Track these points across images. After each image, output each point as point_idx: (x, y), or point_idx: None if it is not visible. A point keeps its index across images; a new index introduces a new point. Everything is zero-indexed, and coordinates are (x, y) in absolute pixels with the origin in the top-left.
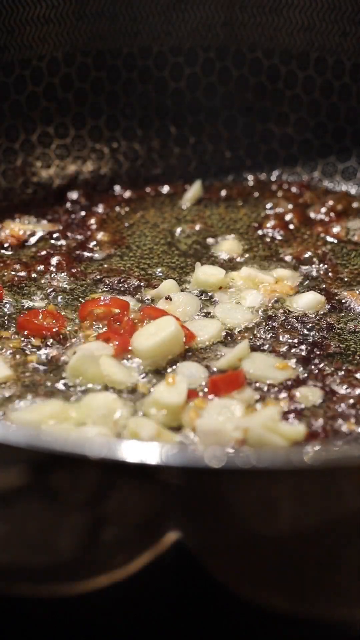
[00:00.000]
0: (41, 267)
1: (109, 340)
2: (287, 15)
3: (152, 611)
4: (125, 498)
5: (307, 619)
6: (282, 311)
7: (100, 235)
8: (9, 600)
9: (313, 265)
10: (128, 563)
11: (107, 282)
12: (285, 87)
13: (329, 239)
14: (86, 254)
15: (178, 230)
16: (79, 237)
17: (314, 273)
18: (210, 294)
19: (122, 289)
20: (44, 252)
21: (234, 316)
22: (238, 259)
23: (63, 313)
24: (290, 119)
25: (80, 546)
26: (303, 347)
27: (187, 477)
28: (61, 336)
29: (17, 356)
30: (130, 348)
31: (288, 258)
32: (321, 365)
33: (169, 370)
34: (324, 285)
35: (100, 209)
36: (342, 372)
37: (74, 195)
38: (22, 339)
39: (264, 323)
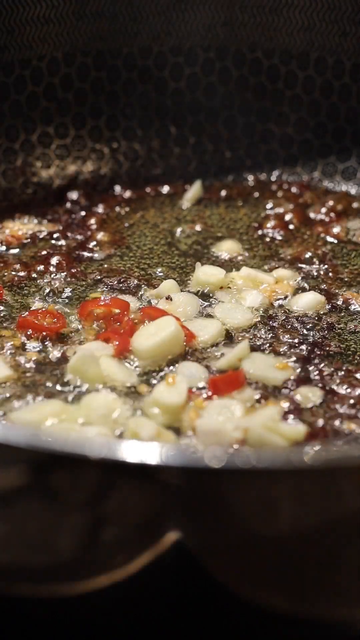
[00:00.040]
0: (41, 267)
1: (109, 340)
2: (287, 15)
3: (152, 611)
4: (125, 498)
5: (307, 619)
6: (282, 311)
7: (100, 236)
8: (9, 600)
9: (313, 265)
10: (128, 563)
11: (107, 282)
12: (285, 87)
13: (329, 239)
14: (86, 254)
15: (178, 230)
16: (79, 237)
17: (314, 273)
18: (210, 294)
19: (122, 289)
20: (44, 252)
21: (234, 316)
22: (238, 259)
23: (63, 313)
24: (290, 119)
25: (80, 546)
26: (303, 347)
27: (187, 477)
28: (61, 336)
29: (17, 356)
30: (130, 348)
31: (288, 258)
32: (321, 365)
33: (169, 370)
34: (324, 286)
35: (100, 209)
36: (342, 372)
37: (74, 195)
38: (22, 339)
39: (264, 323)
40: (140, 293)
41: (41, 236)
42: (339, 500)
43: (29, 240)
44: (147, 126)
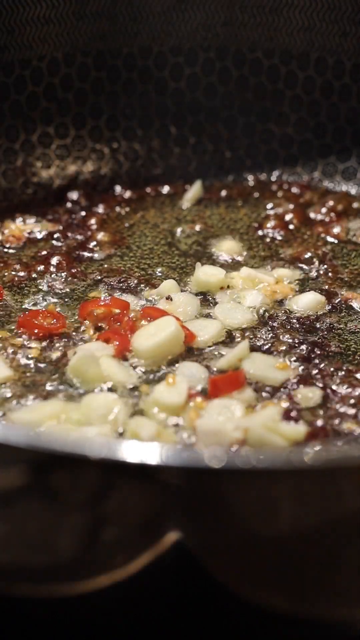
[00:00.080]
0: (41, 267)
1: (109, 340)
2: (287, 15)
3: (152, 611)
4: (125, 498)
5: (307, 619)
6: (282, 311)
7: (100, 236)
8: (9, 600)
9: (313, 265)
10: (128, 563)
11: (107, 282)
12: (286, 87)
13: (329, 239)
14: (86, 254)
15: (178, 230)
16: (79, 237)
17: (314, 273)
18: (210, 294)
19: (122, 288)
20: (44, 252)
21: (234, 316)
22: (238, 259)
23: (63, 313)
24: (291, 119)
25: (80, 546)
26: (303, 347)
27: (187, 477)
28: (61, 336)
29: (17, 356)
30: (130, 348)
31: (288, 258)
32: (321, 365)
33: (169, 370)
34: (324, 286)
35: (100, 209)
36: (342, 372)
37: (74, 195)
38: (22, 339)
39: (264, 323)
40: (140, 293)
41: (41, 236)
42: (339, 500)
43: (29, 240)
44: (147, 126)
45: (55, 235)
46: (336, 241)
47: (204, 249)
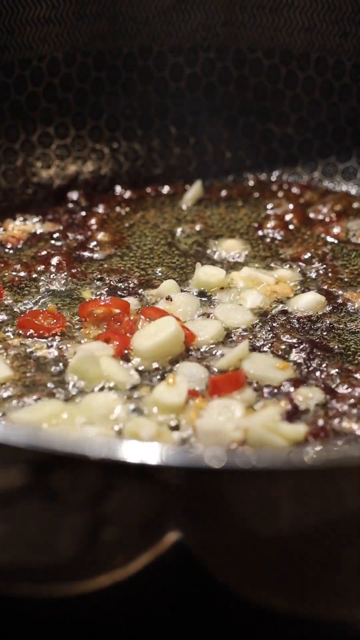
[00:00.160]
0: (41, 267)
1: (109, 340)
2: (287, 16)
3: (152, 611)
4: (125, 498)
5: (307, 619)
6: (282, 311)
7: (100, 236)
8: (9, 600)
9: (313, 266)
10: (128, 563)
11: (107, 282)
12: (286, 88)
13: (329, 239)
14: (86, 254)
15: (178, 230)
16: (79, 237)
17: (314, 273)
18: (210, 294)
19: (122, 288)
20: (44, 252)
21: (234, 316)
22: (238, 259)
23: (63, 313)
24: (291, 119)
25: (80, 546)
26: (303, 347)
27: (187, 477)
28: (61, 336)
29: (17, 356)
30: (130, 348)
31: (288, 258)
32: (321, 365)
33: (169, 370)
34: (324, 286)
35: (100, 209)
36: (342, 372)
37: (74, 195)
38: (22, 339)
39: (264, 323)
40: (140, 293)
41: (41, 236)
42: (339, 500)
43: (29, 240)
44: (147, 126)
45: (55, 235)
46: (336, 241)
47: (204, 249)
